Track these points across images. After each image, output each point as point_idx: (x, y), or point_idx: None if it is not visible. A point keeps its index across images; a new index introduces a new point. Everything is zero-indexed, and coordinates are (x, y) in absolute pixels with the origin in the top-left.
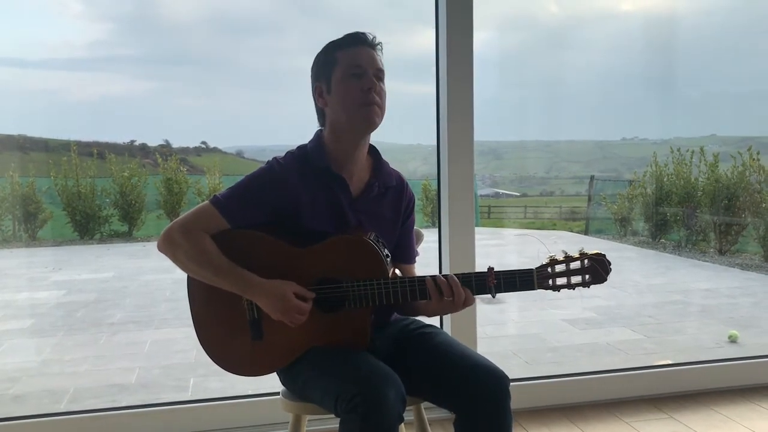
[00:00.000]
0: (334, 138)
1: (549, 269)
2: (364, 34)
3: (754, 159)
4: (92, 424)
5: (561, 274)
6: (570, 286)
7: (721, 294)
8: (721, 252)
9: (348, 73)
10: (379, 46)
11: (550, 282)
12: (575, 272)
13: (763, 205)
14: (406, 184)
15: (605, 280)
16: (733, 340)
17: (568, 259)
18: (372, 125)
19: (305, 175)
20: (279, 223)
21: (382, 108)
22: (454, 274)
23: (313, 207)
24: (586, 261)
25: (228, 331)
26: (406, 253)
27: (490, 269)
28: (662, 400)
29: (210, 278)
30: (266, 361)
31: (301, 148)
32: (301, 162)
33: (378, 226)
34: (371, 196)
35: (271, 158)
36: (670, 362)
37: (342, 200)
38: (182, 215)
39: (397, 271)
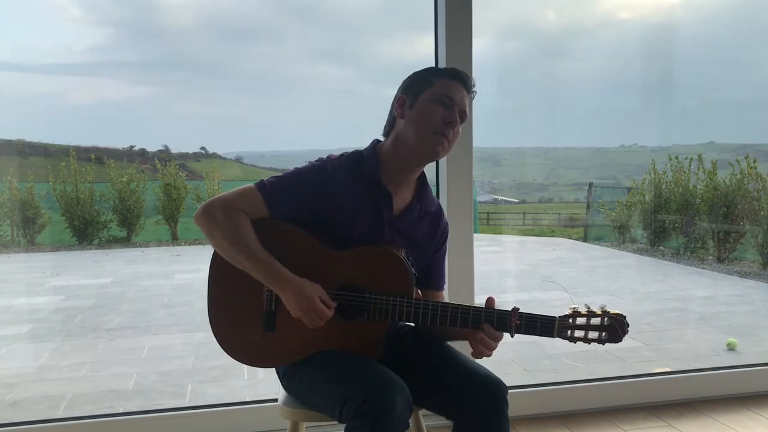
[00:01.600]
0: (393, 151)
1: (570, 320)
2: (467, 75)
3: (752, 167)
4: (89, 430)
5: (580, 327)
6: (586, 340)
7: (719, 302)
8: (719, 259)
9: (438, 98)
10: (473, 93)
11: (569, 333)
12: (594, 328)
13: (761, 212)
14: (443, 213)
15: (620, 341)
16: (731, 348)
17: (590, 314)
18: (435, 156)
19: (355, 180)
20: (315, 222)
21: (450, 146)
22: (476, 307)
23: (354, 214)
24: (606, 319)
25: (241, 318)
26: (435, 280)
27: (515, 310)
28: (660, 407)
29: (241, 261)
30: (273, 354)
31: (356, 153)
32: (354, 167)
33: (410, 247)
34: (411, 218)
35: (324, 156)
36: (668, 370)
37: (383, 214)
38: (224, 193)
39: (419, 292)
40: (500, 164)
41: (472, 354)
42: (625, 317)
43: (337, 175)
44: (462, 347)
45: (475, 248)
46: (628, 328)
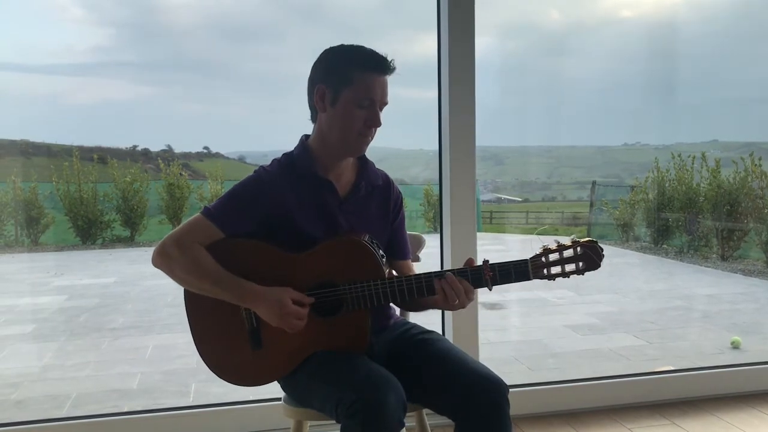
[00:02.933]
0: (321, 145)
1: (543, 258)
2: (385, 60)
3: (756, 164)
4: (94, 429)
5: (555, 263)
6: (565, 274)
7: (723, 300)
8: (723, 258)
9: (358, 101)
10: (394, 71)
11: (545, 271)
12: (569, 260)
13: (766, 210)
14: (392, 182)
15: (599, 266)
16: (735, 346)
17: (561, 248)
18: (359, 153)
19: (293, 181)
20: (272, 230)
21: (373, 137)
22: (449, 270)
23: (303, 212)
24: (578, 248)
25: (228, 344)
26: (400, 250)
27: (485, 262)
28: (664, 406)
29: (207, 289)
30: (267, 370)
31: (286, 155)
32: (288, 169)
33: (368, 226)
34: (359, 197)
35: (258, 167)
36: (672, 368)
37: (331, 203)
38: (174, 229)
39: (394, 272)
40: (503, 163)
41: (441, 305)
42: (596, 241)
43: (274, 179)
44: (464, 345)
45: (478, 247)
46: (603, 252)
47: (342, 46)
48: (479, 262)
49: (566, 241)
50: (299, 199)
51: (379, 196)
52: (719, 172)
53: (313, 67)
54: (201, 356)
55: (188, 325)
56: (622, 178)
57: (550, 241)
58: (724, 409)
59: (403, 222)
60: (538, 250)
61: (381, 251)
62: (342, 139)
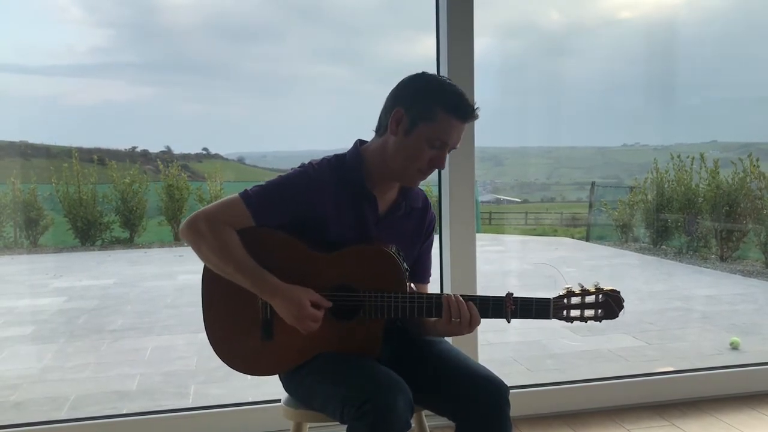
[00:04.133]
0: (378, 162)
1: (565, 300)
2: (471, 108)
3: (754, 165)
4: (93, 431)
5: (576, 307)
6: (583, 318)
7: (722, 301)
8: (722, 258)
9: (432, 140)
10: (476, 119)
11: (565, 313)
12: (589, 306)
13: (764, 211)
14: (430, 205)
15: (617, 316)
16: (734, 347)
17: (584, 293)
18: (412, 187)
19: (338, 185)
20: (302, 227)
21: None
22: (470, 296)
23: (339, 218)
24: (600, 296)
25: (238, 328)
26: (422, 273)
27: (509, 295)
28: (664, 407)
29: (229, 273)
30: (273, 362)
31: (338, 157)
32: (337, 172)
33: (399, 244)
34: (397, 216)
35: (306, 162)
36: (671, 369)
37: (369, 217)
38: (208, 206)
39: (413, 286)
40: (502, 164)
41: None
42: (619, 292)
43: (320, 180)
44: (463, 346)
45: (477, 248)
46: (624, 303)
47: (436, 77)
48: (478, 264)
49: (590, 287)
50: (338, 205)
51: (416, 218)
52: (718, 172)
53: (400, 84)
54: (209, 339)
55: (201, 304)
56: (621, 178)
57: (573, 281)
58: (724, 410)
59: (431, 246)
60: (561, 292)
61: (406, 265)
62: (402, 169)
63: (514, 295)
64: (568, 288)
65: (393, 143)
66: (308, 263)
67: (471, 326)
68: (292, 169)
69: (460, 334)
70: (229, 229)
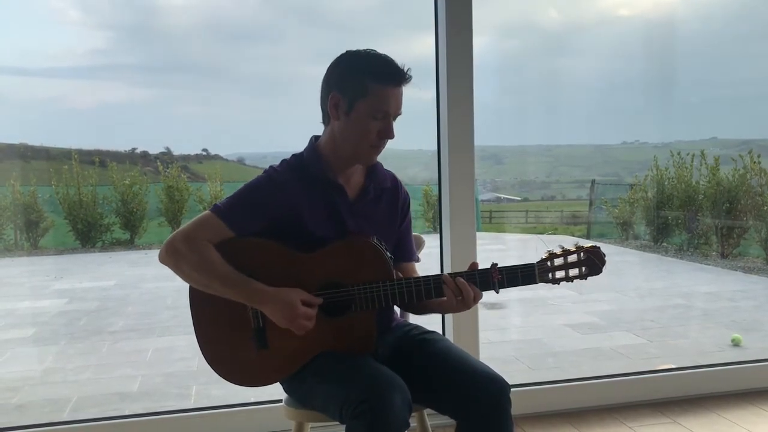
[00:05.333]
0: (332, 151)
1: (549, 263)
2: (400, 71)
3: (755, 162)
4: None
5: (560, 268)
6: (568, 278)
7: (723, 297)
8: (723, 255)
9: (373, 113)
10: (409, 81)
11: (550, 275)
12: (573, 265)
13: (765, 207)
14: (400, 183)
15: (601, 271)
16: (735, 343)
17: (566, 253)
18: (369, 163)
19: (302, 182)
20: (281, 231)
21: (384, 147)
22: (458, 273)
23: (313, 213)
24: (582, 254)
25: (233, 343)
26: (406, 252)
27: (494, 266)
28: (665, 404)
29: (215, 288)
30: (272, 369)
31: (295, 156)
32: (298, 170)
33: (377, 229)
34: (368, 200)
35: (267, 167)
36: (672, 366)
37: (340, 206)
38: (183, 225)
39: (400, 274)
40: (502, 162)
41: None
42: (599, 247)
43: (285, 180)
44: (464, 345)
45: (478, 247)
46: (606, 258)
47: (358, 52)
48: (479, 262)
49: (570, 246)
50: (309, 201)
51: (388, 199)
52: (718, 169)
53: (328, 70)
54: (204, 356)
55: (192, 323)
56: (622, 176)
57: (554, 245)
58: (725, 407)
59: (410, 224)
60: (544, 255)
61: (389, 253)
62: (354, 149)
63: (498, 266)
64: (549, 251)
65: (338, 128)
66: (293, 265)
67: (474, 301)
68: (255, 177)
69: (462, 311)
70: (207, 245)
